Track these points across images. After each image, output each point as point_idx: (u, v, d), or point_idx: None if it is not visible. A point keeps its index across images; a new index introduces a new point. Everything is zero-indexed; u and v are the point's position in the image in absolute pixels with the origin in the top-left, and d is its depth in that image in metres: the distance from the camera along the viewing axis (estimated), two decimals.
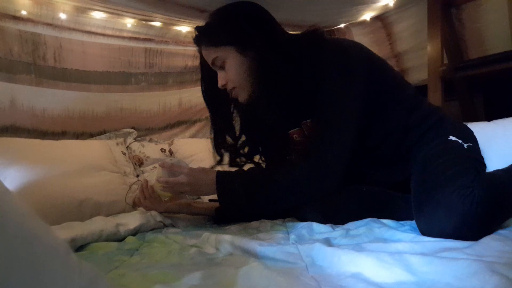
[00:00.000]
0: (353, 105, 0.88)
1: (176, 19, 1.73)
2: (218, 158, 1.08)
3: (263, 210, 1.01)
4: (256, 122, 0.98)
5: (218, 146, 1.08)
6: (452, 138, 0.92)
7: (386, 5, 1.75)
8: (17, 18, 1.45)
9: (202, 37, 1.00)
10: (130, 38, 1.79)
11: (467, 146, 0.92)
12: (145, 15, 1.66)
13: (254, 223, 1.05)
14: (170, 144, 1.96)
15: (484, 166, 0.94)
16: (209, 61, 0.98)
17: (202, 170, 0.96)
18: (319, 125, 0.90)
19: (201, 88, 1.07)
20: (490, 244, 0.62)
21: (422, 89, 1.80)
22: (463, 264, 0.52)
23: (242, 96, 0.96)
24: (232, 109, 1.06)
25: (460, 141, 0.92)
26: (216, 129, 1.07)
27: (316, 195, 0.94)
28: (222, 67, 0.95)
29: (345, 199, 1.04)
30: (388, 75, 0.99)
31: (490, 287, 0.46)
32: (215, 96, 1.04)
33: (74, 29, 1.61)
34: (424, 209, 0.78)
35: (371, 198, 1.03)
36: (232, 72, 0.94)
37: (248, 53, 0.91)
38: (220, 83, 0.96)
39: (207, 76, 1.04)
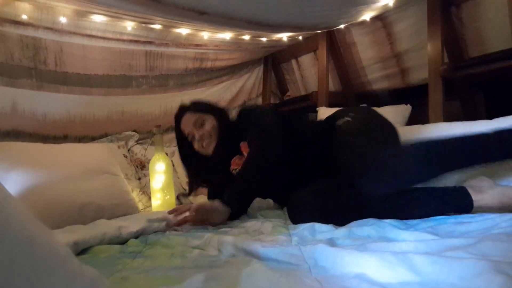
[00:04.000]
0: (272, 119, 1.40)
1: (176, 21, 1.73)
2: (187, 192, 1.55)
3: (262, 185, 1.29)
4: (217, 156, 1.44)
5: (192, 188, 1.51)
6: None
7: (386, 5, 1.75)
8: (18, 23, 1.45)
9: (190, 107, 1.49)
10: (131, 41, 1.79)
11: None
12: (145, 18, 1.66)
13: (255, 225, 1.05)
14: (173, 155, 1.94)
15: None
16: (192, 122, 1.44)
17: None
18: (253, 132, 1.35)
19: (179, 151, 1.50)
20: (495, 243, 0.62)
21: (422, 89, 1.79)
22: (468, 264, 0.51)
23: (209, 142, 1.42)
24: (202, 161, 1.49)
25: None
26: (190, 177, 1.51)
27: (272, 156, 1.25)
28: (202, 125, 1.44)
29: (342, 204, 1.03)
30: (292, 126, 1.44)
31: (495, 287, 0.46)
32: (189, 154, 1.48)
33: (74, 33, 1.61)
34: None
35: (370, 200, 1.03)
36: (208, 127, 1.44)
37: (216, 119, 1.45)
38: (199, 133, 1.42)
39: (183, 142, 1.47)
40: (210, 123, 1.45)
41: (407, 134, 1.51)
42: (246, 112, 1.48)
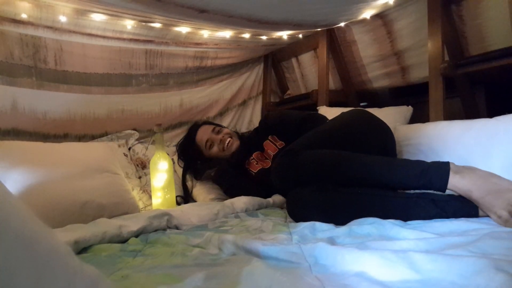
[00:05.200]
0: None
1: (176, 20, 1.73)
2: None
3: None
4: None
5: (187, 194, 1.72)
6: None
7: (386, 3, 1.75)
8: (18, 22, 1.45)
9: (204, 122, 1.80)
10: (130, 40, 1.79)
11: None
12: (145, 16, 1.66)
13: (256, 223, 1.05)
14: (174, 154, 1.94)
15: None
16: (210, 130, 1.69)
17: None
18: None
19: (188, 164, 1.74)
20: (495, 241, 0.62)
21: (423, 87, 1.79)
22: (468, 262, 0.51)
23: (232, 141, 1.67)
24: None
25: None
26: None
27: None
28: (219, 132, 1.70)
29: (343, 202, 1.03)
30: None
31: (495, 285, 0.46)
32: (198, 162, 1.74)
33: (74, 32, 1.61)
34: None
35: (367, 199, 1.02)
36: (227, 131, 1.73)
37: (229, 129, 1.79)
38: (220, 136, 1.68)
39: (193, 154, 1.71)
40: (226, 130, 1.71)
41: (407, 133, 1.51)
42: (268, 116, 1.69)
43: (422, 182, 0.93)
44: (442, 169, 0.92)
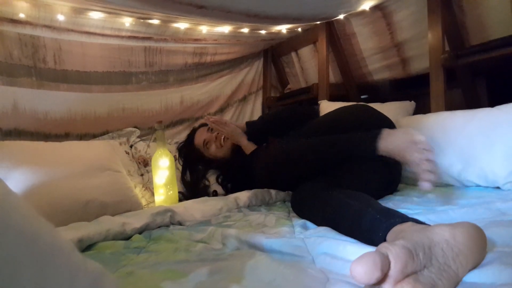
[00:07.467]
0: None
1: (174, 16, 1.72)
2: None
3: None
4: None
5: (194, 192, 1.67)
6: None
7: None
8: (16, 22, 1.45)
9: (200, 125, 1.82)
10: (129, 37, 1.79)
11: None
12: (143, 13, 1.65)
13: (259, 218, 1.05)
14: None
15: None
16: (205, 130, 1.72)
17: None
18: None
19: (187, 167, 1.74)
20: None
21: (424, 78, 1.78)
22: None
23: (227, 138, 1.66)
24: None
25: None
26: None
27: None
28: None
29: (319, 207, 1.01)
30: None
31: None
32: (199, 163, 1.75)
33: (72, 31, 1.60)
34: None
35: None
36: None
37: None
38: (215, 133, 1.68)
39: (193, 157, 1.73)
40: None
41: (409, 125, 1.51)
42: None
43: (361, 151, 1.04)
44: (372, 138, 1.03)
